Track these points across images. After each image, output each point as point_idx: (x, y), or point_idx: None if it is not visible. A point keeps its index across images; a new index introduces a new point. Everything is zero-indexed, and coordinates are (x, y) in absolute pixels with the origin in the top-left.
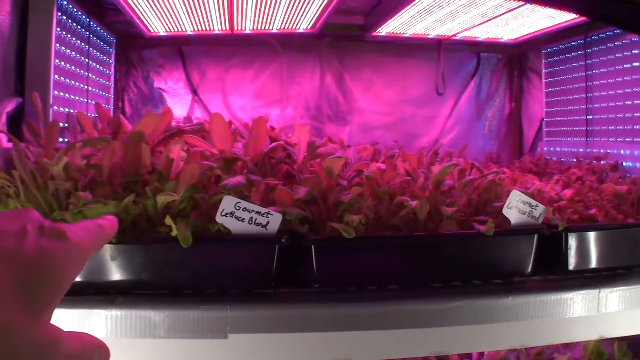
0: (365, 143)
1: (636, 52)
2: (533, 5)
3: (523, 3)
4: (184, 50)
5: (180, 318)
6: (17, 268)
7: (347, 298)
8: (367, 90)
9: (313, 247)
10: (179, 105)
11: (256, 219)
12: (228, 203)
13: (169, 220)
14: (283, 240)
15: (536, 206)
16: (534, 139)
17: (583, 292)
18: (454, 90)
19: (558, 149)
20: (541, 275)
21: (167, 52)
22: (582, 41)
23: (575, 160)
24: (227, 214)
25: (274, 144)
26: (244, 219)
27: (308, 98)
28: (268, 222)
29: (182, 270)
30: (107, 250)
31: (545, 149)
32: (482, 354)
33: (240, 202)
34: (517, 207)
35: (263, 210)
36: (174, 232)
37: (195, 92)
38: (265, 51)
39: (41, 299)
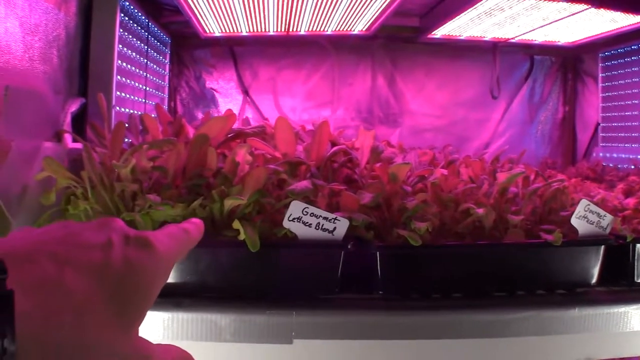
0: (416, 145)
1: None
2: (598, 9)
3: (587, 7)
4: (235, 50)
5: (246, 322)
6: (106, 282)
7: (411, 305)
8: (419, 92)
9: (378, 253)
10: (230, 105)
11: (323, 225)
12: (295, 208)
13: (236, 224)
14: (349, 247)
15: (604, 216)
16: (588, 143)
17: None
18: (506, 93)
19: (614, 155)
20: (605, 287)
21: (219, 52)
22: None
23: (633, 167)
24: (294, 218)
25: (335, 148)
26: (310, 224)
27: (359, 99)
28: (335, 228)
29: (247, 274)
30: None
31: (601, 154)
32: None
33: (307, 207)
34: (585, 217)
35: (330, 215)
36: (242, 236)
37: (246, 92)
38: (317, 52)
39: (130, 312)
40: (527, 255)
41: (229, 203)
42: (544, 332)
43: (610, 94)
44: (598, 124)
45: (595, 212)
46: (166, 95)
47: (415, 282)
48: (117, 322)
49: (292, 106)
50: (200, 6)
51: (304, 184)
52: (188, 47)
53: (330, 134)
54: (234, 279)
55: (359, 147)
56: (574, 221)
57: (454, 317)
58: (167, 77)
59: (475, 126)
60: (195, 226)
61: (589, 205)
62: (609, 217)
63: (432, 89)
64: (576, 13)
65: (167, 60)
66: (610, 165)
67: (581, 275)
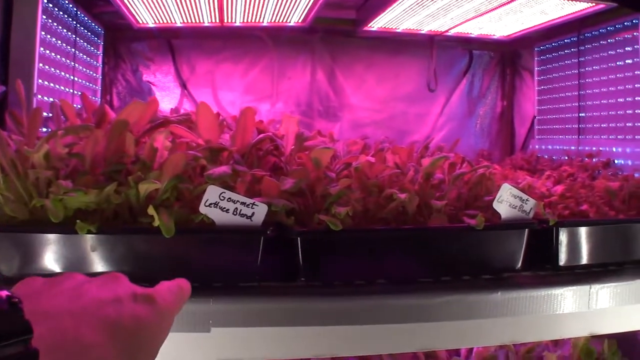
0: (356, 139)
1: (629, 49)
2: None
3: None
4: (173, 44)
5: None
6: (118, 337)
7: (333, 292)
8: (359, 86)
9: (299, 239)
10: (168, 98)
11: (241, 210)
12: (212, 193)
13: (151, 210)
14: (268, 232)
15: (527, 200)
16: (526, 136)
17: (573, 287)
18: (446, 88)
19: (549, 147)
20: (532, 271)
21: (156, 45)
22: (575, 38)
23: (566, 157)
24: (210, 204)
25: (261, 135)
26: (228, 210)
27: (299, 93)
28: (253, 213)
29: (164, 262)
30: (88, 240)
31: (537, 146)
32: (470, 351)
33: (224, 192)
34: (507, 201)
35: (248, 200)
36: (156, 222)
37: (184, 86)
38: (255, 45)
39: None
40: (450, 240)
41: (143, 188)
42: (468, 316)
43: (545, 87)
44: (534, 117)
45: (518, 197)
46: (99, 88)
47: (338, 269)
48: None
49: (231, 100)
50: None
51: (223, 168)
52: (125, 39)
53: (259, 123)
54: (150, 267)
55: (284, 134)
56: (496, 205)
57: (376, 302)
58: (100, 69)
59: (415, 120)
60: (185, 282)
61: (511, 189)
62: (531, 202)
63: (372, 83)
64: (506, 4)
65: (100, 52)
66: (546, 156)
67: (506, 261)
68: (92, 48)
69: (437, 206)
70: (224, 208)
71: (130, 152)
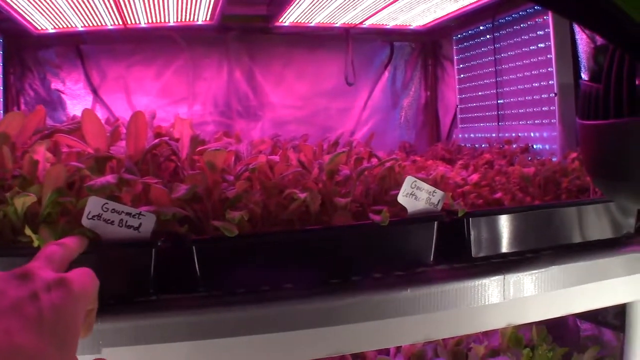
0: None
1: (541, 33)
2: None
3: None
4: (81, 49)
5: None
6: (43, 332)
7: (233, 301)
8: (278, 84)
9: (194, 248)
10: (80, 106)
11: (127, 221)
12: (94, 204)
13: (27, 230)
14: (159, 243)
15: (434, 192)
16: (450, 126)
17: (487, 279)
18: (368, 81)
19: (472, 135)
20: (446, 264)
21: (64, 51)
22: (490, 25)
23: (487, 145)
24: (93, 216)
25: (156, 140)
26: (112, 221)
27: (216, 94)
28: (140, 224)
29: None
30: None
31: (460, 135)
32: (399, 348)
33: (107, 203)
34: (413, 194)
35: (133, 210)
36: (36, 242)
37: (95, 92)
38: (167, 47)
39: (68, 346)
40: (357, 238)
41: (19, 202)
42: (377, 316)
43: (465, 75)
44: (457, 106)
45: (424, 189)
46: (0, 99)
47: (240, 277)
48: (62, 358)
49: (146, 104)
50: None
51: (106, 178)
52: (28, 47)
53: (158, 127)
54: None
55: (179, 137)
56: (400, 199)
57: (279, 308)
58: (0, 80)
59: (338, 115)
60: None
61: (415, 182)
62: (439, 193)
63: (292, 80)
64: None
65: (0, 61)
66: (469, 145)
67: (417, 255)
68: None
69: (341, 204)
70: (108, 220)
71: (9, 167)
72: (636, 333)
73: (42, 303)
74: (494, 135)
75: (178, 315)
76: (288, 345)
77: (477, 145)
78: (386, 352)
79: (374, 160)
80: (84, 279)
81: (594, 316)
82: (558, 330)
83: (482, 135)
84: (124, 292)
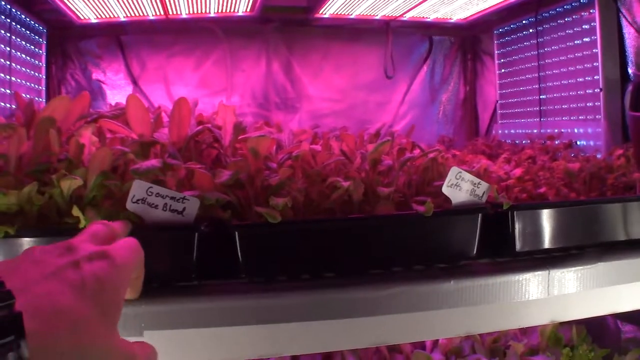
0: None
1: (586, 27)
2: None
3: None
4: (122, 40)
5: None
6: (85, 298)
7: (275, 288)
8: (316, 76)
9: (237, 233)
10: (120, 96)
11: (171, 205)
12: (138, 188)
13: (75, 210)
14: (202, 227)
15: (479, 184)
16: (489, 121)
17: (530, 273)
18: (406, 75)
19: (512, 131)
20: (490, 258)
21: (105, 42)
22: (533, 19)
23: (528, 141)
24: (138, 200)
25: (199, 127)
26: (157, 205)
27: (254, 85)
28: (184, 208)
29: None
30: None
31: (500, 131)
32: (435, 343)
33: (152, 187)
34: (458, 185)
35: (178, 195)
36: (82, 223)
37: (135, 83)
38: (207, 38)
39: (109, 316)
40: (399, 228)
41: (65, 185)
42: (419, 307)
43: (506, 70)
44: (497, 102)
45: (469, 180)
46: (43, 88)
47: (282, 264)
48: (103, 327)
49: (185, 95)
50: None
51: (151, 162)
52: (71, 37)
53: (200, 115)
54: None
55: (222, 125)
56: (445, 190)
57: (321, 296)
58: (43, 69)
59: (376, 109)
60: (116, 223)
61: (460, 173)
62: (484, 185)
63: (330, 72)
64: None
65: (43, 51)
66: (508, 141)
67: (460, 247)
68: (33, 47)
69: (384, 193)
70: (153, 204)
71: (55, 150)
72: None
73: (84, 272)
74: (535, 131)
75: (219, 300)
76: (327, 334)
77: (517, 141)
78: (422, 346)
79: (417, 152)
80: (127, 252)
81: (637, 318)
82: (598, 331)
83: (523, 131)
84: (167, 276)
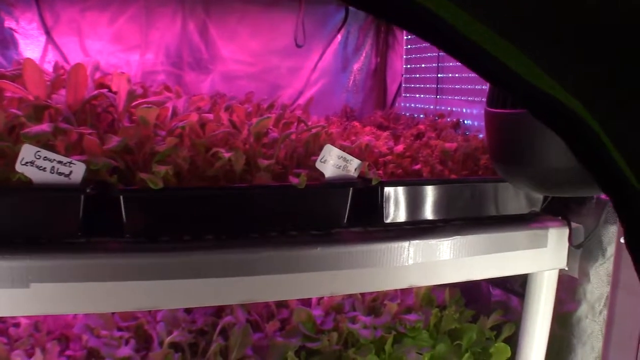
0: (228, 92)
1: None
2: None
3: None
4: None
5: None
6: None
7: (156, 247)
8: (231, 39)
9: (121, 197)
10: (32, 47)
11: (58, 168)
12: (27, 152)
13: None
14: (88, 190)
15: (350, 160)
16: (395, 94)
17: (392, 243)
18: (320, 43)
19: (413, 105)
20: (361, 227)
21: None
22: None
23: (422, 115)
24: (27, 162)
25: (95, 92)
26: (45, 168)
27: (169, 44)
28: (71, 172)
29: None
30: None
31: (403, 104)
32: (319, 301)
33: (40, 151)
34: (331, 161)
35: (65, 159)
36: None
37: (48, 34)
38: None
39: None
40: (275, 198)
41: None
42: (289, 270)
43: (412, 46)
44: (402, 76)
45: (342, 157)
46: None
47: (164, 226)
48: None
49: (98, 49)
50: None
51: (42, 127)
52: None
53: (102, 78)
54: None
55: (117, 91)
56: (318, 165)
57: (202, 257)
58: None
59: (289, 74)
60: None
61: (333, 150)
62: (355, 162)
63: (245, 36)
64: None
65: None
66: (407, 114)
67: (332, 217)
68: None
69: (263, 165)
70: (41, 167)
71: None
72: (533, 300)
73: None
74: (431, 107)
75: (103, 257)
76: (205, 291)
77: (416, 115)
78: (308, 303)
79: (302, 126)
80: None
81: (503, 283)
82: (472, 294)
83: (421, 106)
84: (55, 233)
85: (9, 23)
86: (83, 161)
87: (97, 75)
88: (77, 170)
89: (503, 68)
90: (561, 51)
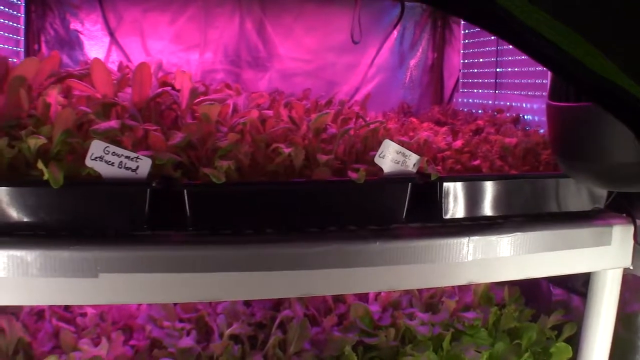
0: (285, 90)
1: None
2: None
3: None
4: None
5: (51, 258)
6: None
7: (218, 240)
8: (288, 36)
9: (185, 191)
10: (96, 48)
11: (125, 163)
12: (97, 147)
13: (40, 164)
14: (154, 184)
15: (409, 156)
16: (452, 89)
17: (451, 239)
18: (376, 39)
19: (472, 101)
20: (420, 223)
21: None
22: None
23: (481, 111)
24: (96, 157)
25: (159, 90)
26: (113, 163)
27: (227, 43)
28: (137, 167)
29: (55, 213)
30: None
31: (460, 100)
32: (377, 295)
33: (108, 147)
34: (390, 156)
35: (132, 154)
36: (46, 175)
37: (112, 35)
38: None
39: None
40: (335, 192)
41: (32, 142)
42: (348, 264)
43: (470, 41)
44: (460, 71)
45: (400, 152)
46: (22, 38)
47: (226, 219)
48: None
49: (159, 49)
50: None
51: (110, 123)
52: None
53: (165, 76)
54: (43, 217)
55: (179, 89)
56: (377, 160)
57: (262, 250)
58: (22, 19)
59: (345, 71)
60: None
61: (392, 145)
62: (414, 157)
63: (301, 33)
64: None
65: (21, 2)
66: (465, 110)
67: (390, 212)
68: None
69: (323, 160)
70: (109, 162)
71: (25, 107)
72: (596, 300)
73: None
74: (490, 102)
75: (167, 249)
76: (265, 284)
77: (474, 111)
78: (365, 298)
79: (360, 122)
80: None
81: (565, 282)
82: (532, 292)
83: (480, 101)
84: (122, 225)
85: (74, 25)
86: (149, 156)
87: (160, 74)
88: (144, 165)
89: (564, 55)
90: (625, 36)
